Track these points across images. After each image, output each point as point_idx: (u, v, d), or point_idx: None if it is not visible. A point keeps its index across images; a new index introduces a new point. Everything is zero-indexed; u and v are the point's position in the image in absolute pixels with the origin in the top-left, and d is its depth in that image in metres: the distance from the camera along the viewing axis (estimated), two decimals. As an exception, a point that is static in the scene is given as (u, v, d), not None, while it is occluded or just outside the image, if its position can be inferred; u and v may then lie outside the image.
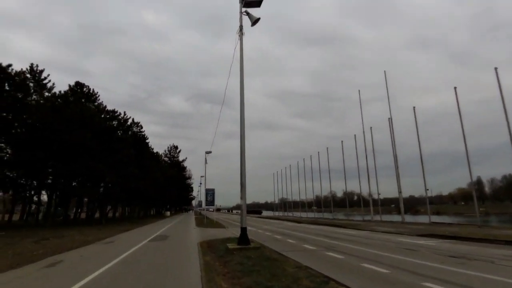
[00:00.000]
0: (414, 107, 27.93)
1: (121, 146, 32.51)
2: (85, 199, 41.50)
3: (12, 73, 24.72)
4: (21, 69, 25.74)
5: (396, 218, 39.50)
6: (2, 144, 24.38)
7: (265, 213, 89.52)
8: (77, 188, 26.33)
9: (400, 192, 28.74)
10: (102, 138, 31.04)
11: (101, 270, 7.61)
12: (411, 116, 27.97)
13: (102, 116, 32.89)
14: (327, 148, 45.38)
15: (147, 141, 45.17)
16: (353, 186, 51.10)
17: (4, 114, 22.93)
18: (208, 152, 47.78)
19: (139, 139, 43.21)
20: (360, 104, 35.17)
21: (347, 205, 49.88)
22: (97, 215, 42.05)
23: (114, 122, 35.60)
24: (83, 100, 31.68)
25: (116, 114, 35.76)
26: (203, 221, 32.16)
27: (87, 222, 32.37)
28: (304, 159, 53.49)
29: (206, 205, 30.59)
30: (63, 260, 9.34)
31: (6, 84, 24.53)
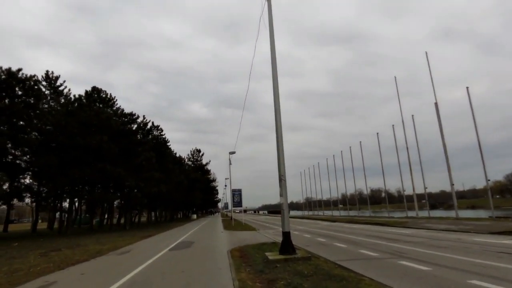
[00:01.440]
0: (435, 103, 26.65)
1: (141, 150, 30.90)
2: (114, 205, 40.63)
3: (23, 78, 23.47)
4: (34, 74, 24.41)
5: (437, 213, 35.80)
6: (17, 152, 23.16)
7: (292, 212, 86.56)
8: (94, 194, 24.78)
9: (452, 184, 25.37)
10: (120, 142, 29.51)
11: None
12: (443, 110, 26.13)
13: (120, 119, 31.37)
14: (350, 147, 46.40)
15: (168, 144, 43.60)
16: (378, 184, 51.46)
17: (15, 119, 21.57)
18: (232, 153, 45.67)
19: (159, 143, 41.71)
20: (398, 96, 31.93)
21: (385, 202, 46.49)
22: (123, 220, 40.94)
23: (133, 126, 34.12)
24: (98, 104, 30.26)
25: (134, 117, 34.26)
26: (231, 223, 29.94)
27: (112, 228, 30.96)
28: (327, 158, 53.67)
29: (233, 206, 28.32)
30: (57, 282, 7.21)
31: (17, 89, 23.33)
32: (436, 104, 26.54)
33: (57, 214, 36.17)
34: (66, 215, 27.45)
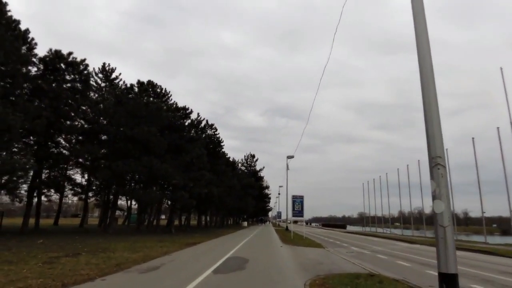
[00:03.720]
0: None
1: (192, 147, 28.02)
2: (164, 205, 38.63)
3: (72, 61, 21.84)
4: (84, 58, 22.78)
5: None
6: (61, 140, 21.45)
7: (349, 228, 79.05)
8: (137, 191, 22.14)
9: None
10: (170, 136, 26.91)
11: None
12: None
13: (172, 114, 28.89)
14: (407, 165, 42.87)
15: (222, 144, 40.57)
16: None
17: (59, 104, 19.68)
18: (290, 157, 41.36)
19: (213, 142, 38.88)
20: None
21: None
22: (176, 222, 38.60)
23: (185, 121, 31.56)
24: (152, 98, 28.02)
25: (187, 112, 31.72)
26: (287, 235, 25.43)
27: (157, 230, 28.39)
28: (387, 173, 50.13)
29: (293, 216, 23.82)
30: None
31: (65, 73, 21.72)
32: None
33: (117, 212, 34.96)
34: (110, 213, 25.30)
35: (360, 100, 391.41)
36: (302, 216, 23.97)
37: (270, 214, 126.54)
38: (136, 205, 44.28)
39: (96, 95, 28.34)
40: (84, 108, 23.16)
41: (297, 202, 23.15)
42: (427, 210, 51.89)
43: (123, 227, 36.09)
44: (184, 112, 30.92)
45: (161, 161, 23.22)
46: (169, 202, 29.16)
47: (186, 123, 31.19)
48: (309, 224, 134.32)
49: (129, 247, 13.92)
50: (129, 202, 44.01)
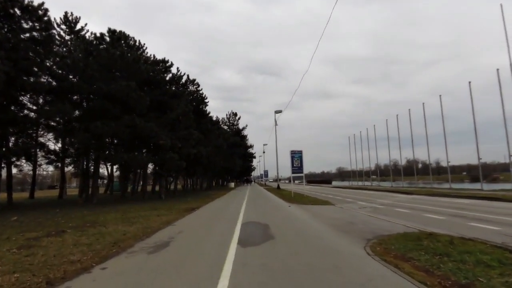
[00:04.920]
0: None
1: (176, 104, 25.40)
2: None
3: (27, 5, 18.16)
4: (42, 2, 18.96)
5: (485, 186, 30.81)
6: (24, 99, 18.34)
7: (334, 183, 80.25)
8: (121, 155, 19.71)
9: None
10: (152, 93, 24.16)
11: None
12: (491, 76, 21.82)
13: (150, 66, 25.75)
14: (386, 120, 44.77)
15: (206, 101, 37.81)
16: (410, 155, 48.16)
17: (18, 58, 16.41)
18: (278, 112, 39.57)
19: (196, 99, 36.07)
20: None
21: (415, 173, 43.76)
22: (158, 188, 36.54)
23: (166, 76, 28.47)
24: (123, 46, 24.58)
25: (168, 65, 28.51)
26: (287, 195, 24.20)
27: (145, 197, 26.53)
28: (364, 130, 52.11)
29: (292, 173, 22.37)
30: None
31: (22, 21, 18.15)
32: None
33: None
34: (92, 182, 23.00)
35: (337, 54, 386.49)
36: (302, 172, 22.56)
37: (253, 174, 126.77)
38: (118, 172, 41.83)
39: (62, 50, 24.68)
40: (49, 64, 19.91)
41: (296, 158, 21.57)
42: (403, 162, 54.90)
43: (106, 196, 33.97)
44: (164, 65, 27.75)
45: (145, 120, 20.77)
46: (155, 166, 26.99)
47: (167, 78, 28.22)
48: (293, 181, 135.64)
49: (121, 218, 12.05)
50: (110, 168, 41.57)
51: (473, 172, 59.76)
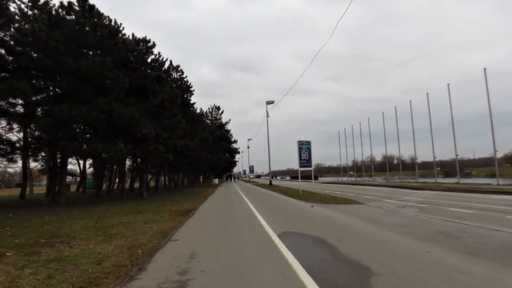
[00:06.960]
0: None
1: (160, 89, 22.02)
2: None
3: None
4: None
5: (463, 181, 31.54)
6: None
7: (322, 179, 78.54)
8: (89, 146, 16.08)
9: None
10: (132, 75, 20.69)
11: None
12: (459, 74, 23.26)
13: (130, 45, 22.20)
14: (368, 118, 47.43)
15: (191, 89, 34.29)
16: (388, 151, 51.74)
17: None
18: (270, 102, 36.86)
19: (181, 87, 32.56)
20: None
21: (387, 169, 48.16)
22: (137, 184, 32.77)
23: (147, 57, 24.90)
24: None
25: (149, 45, 24.95)
26: (293, 192, 21.04)
27: (123, 196, 23.05)
28: (341, 127, 55.80)
29: (300, 166, 19.36)
30: None
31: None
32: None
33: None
34: (59, 179, 19.31)
35: (314, 51, 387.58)
36: (310, 166, 19.66)
37: (234, 170, 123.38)
38: (91, 167, 37.66)
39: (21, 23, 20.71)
40: (1, 34, 16.17)
41: (304, 149, 18.62)
42: (378, 158, 58.76)
43: (77, 195, 30.07)
44: (145, 45, 24.17)
45: (123, 105, 17.37)
46: (135, 159, 23.49)
47: (149, 60, 24.73)
48: (274, 177, 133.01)
49: (95, 227, 8.83)
50: (82, 163, 37.33)
51: (446, 168, 59.64)
